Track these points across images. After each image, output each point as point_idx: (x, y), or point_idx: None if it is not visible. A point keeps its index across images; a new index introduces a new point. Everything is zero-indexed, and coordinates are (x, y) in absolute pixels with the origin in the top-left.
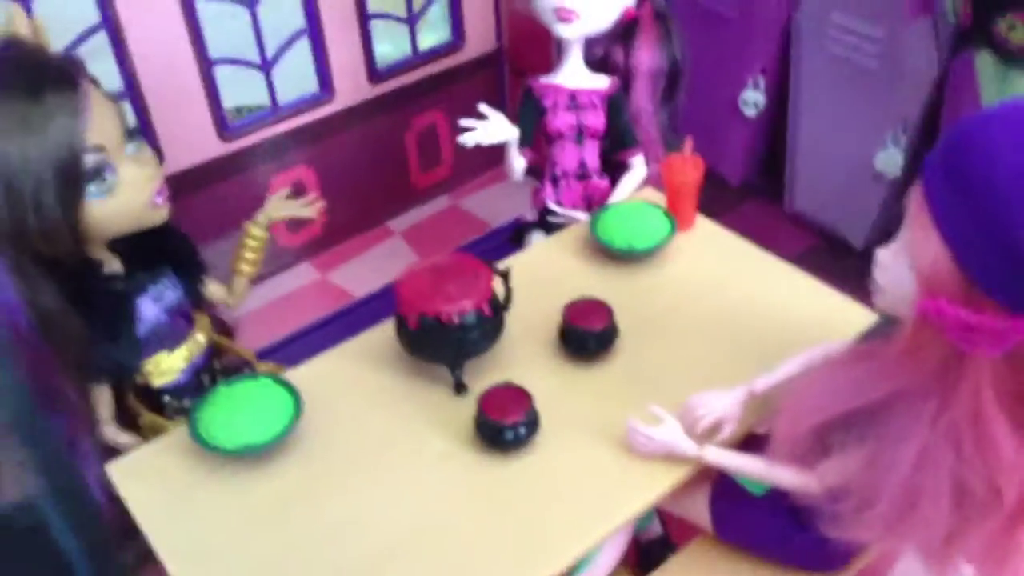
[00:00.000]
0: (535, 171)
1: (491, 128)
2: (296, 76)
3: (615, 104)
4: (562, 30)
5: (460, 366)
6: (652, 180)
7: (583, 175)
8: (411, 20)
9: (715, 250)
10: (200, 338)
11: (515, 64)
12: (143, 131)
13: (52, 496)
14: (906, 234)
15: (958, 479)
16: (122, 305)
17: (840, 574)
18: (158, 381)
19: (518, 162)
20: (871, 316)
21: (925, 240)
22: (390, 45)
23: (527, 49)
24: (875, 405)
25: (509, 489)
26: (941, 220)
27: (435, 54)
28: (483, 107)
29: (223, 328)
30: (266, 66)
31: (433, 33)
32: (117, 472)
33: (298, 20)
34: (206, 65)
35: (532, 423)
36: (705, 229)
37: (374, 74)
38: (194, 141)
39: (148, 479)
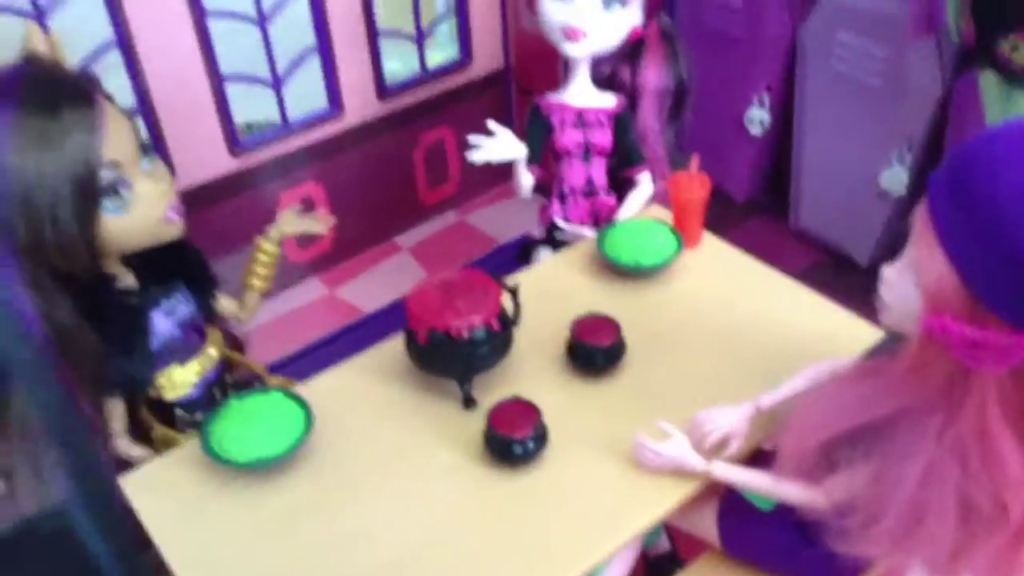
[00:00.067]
0: (543, 188)
1: (499, 145)
2: (306, 93)
3: (622, 122)
4: (570, 49)
5: (469, 380)
6: (659, 197)
7: (590, 192)
8: (419, 38)
9: (722, 267)
10: (212, 352)
11: (522, 83)
12: (155, 146)
13: (83, 500)
14: (911, 252)
15: (964, 495)
16: (136, 319)
17: None
18: (170, 395)
19: (526, 179)
20: (876, 332)
21: (930, 258)
22: (399, 63)
23: (534, 68)
24: (881, 421)
25: (517, 503)
26: (946, 238)
27: (443, 72)
28: (491, 124)
29: (234, 342)
30: (276, 83)
31: (441, 51)
32: (130, 485)
33: (308, 37)
34: (217, 81)
35: (541, 437)
36: (712, 246)
37: (383, 91)
38: (205, 157)
39: (160, 492)
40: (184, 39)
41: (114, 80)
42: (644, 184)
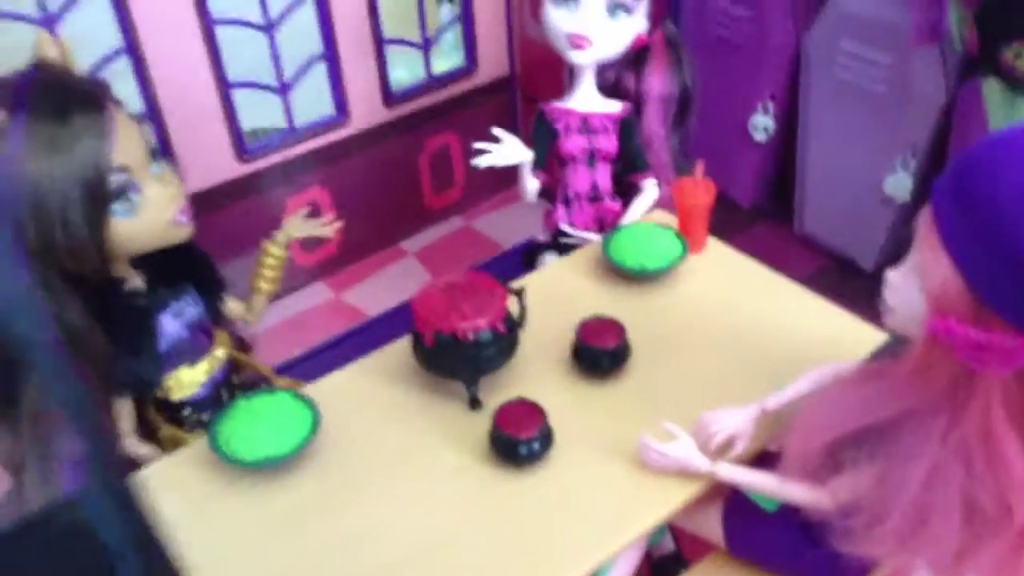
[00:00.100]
0: (548, 193)
1: (505, 150)
2: (312, 99)
3: (627, 128)
4: (575, 56)
5: (475, 382)
6: (664, 203)
7: (595, 197)
8: (425, 46)
9: (726, 271)
10: (220, 353)
11: (527, 90)
12: (163, 152)
13: (102, 488)
14: (916, 256)
15: (968, 496)
16: (144, 321)
17: None
18: (178, 395)
19: (531, 184)
20: (881, 336)
21: (934, 261)
22: (405, 70)
23: (539, 75)
24: (885, 423)
25: (523, 503)
26: (950, 241)
27: (449, 79)
28: (497, 130)
29: (241, 344)
30: (283, 89)
31: (447, 59)
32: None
33: (315, 45)
34: (225, 88)
35: (546, 438)
36: (716, 251)
37: (389, 98)
38: (213, 162)
39: (167, 491)
40: (192, 46)
41: (122, 87)
42: (649, 190)
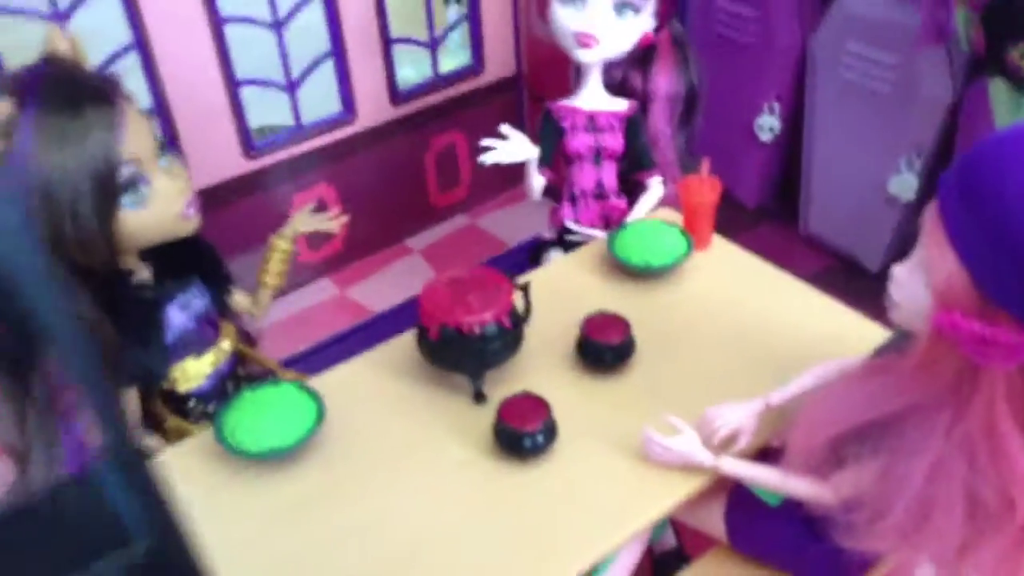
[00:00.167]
0: (553, 191)
1: (511, 147)
2: (320, 97)
3: (633, 126)
4: (582, 55)
5: (480, 376)
6: (669, 201)
7: (601, 195)
8: (432, 45)
9: (731, 268)
10: (225, 346)
11: (533, 89)
12: (170, 148)
13: (118, 464)
14: (921, 251)
15: (971, 491)
16: (152, 313)
17: None
18: (184, 386)
19: (537, 181)
20: (885, 334)
21: (940, 257)
22: (412, 69)
23: (545, 75)
24: (889, 418)
25: (527, 496)
26: (955, 237)
27: (455, 78)
28: (504, 127)
29: (247, 339)
30: (291, 87)
31: (454, 58)
32: None
33: (323, 43)
34: (233, 85)
35: (550, 431)
36: (721, 248)
37: (396, 96)
38: (220, 159)
39: (172, 481)
40: (201, 43)
41: (131, 83)
42: (655, 188)
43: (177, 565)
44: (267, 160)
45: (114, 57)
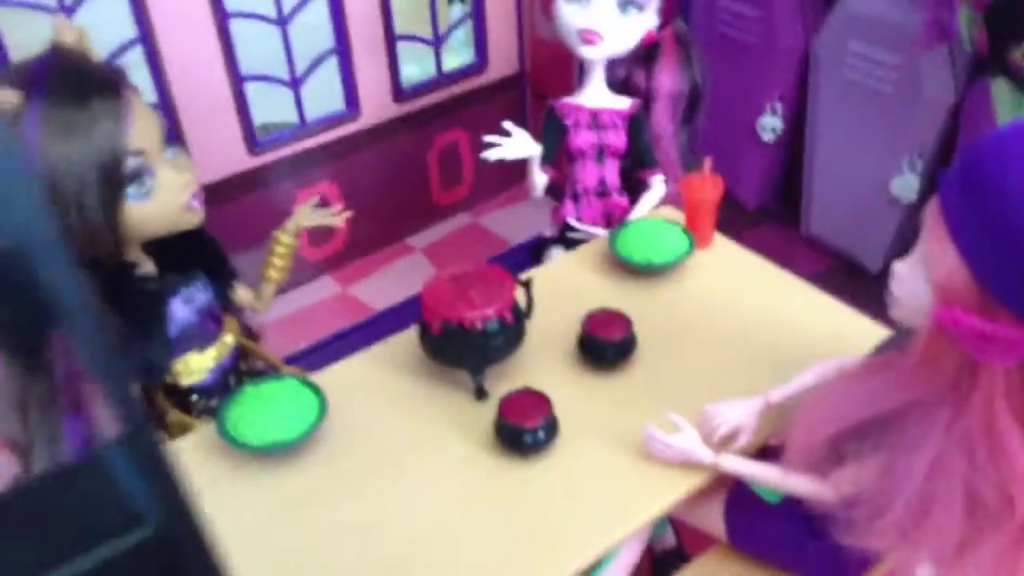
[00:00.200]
0: (555, 189)
1: (514, 144)
2: (323, 94)
3: (636, 124)
4: (586, 52)
5: (482, 372)
6: (671, 199)
7: (603, 193)
8: (436, 42)
9: (732, 267)
10: (228, 340)
11: (536, 88)
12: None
13: (129, 445)
14: (923, 246)
15: (971, 488)
16: (155, 306)
17: None
18: (186, 380)
19: (540, 178)
20: (885, 333)
21: (941, 252)
22: (415, 66)
23: (548, 73)
24: (890, 415)
25: (527, 492)
26: (956, 232)
27: (459, 76)
28: (507, 124)
29: (249, 334)
30: (295, 84)
31: (457, 55)
32: None
33: (327, 40)
34: (237, 81)
35: (551, 428)
36: (723, 247)
37: (399, 94)
38: (224, 155)
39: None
40: (206, 39)
41: (136, 78)
42: (657, 186)
43: (188, 546)
44: (270, 156)
45: (119, 52)
